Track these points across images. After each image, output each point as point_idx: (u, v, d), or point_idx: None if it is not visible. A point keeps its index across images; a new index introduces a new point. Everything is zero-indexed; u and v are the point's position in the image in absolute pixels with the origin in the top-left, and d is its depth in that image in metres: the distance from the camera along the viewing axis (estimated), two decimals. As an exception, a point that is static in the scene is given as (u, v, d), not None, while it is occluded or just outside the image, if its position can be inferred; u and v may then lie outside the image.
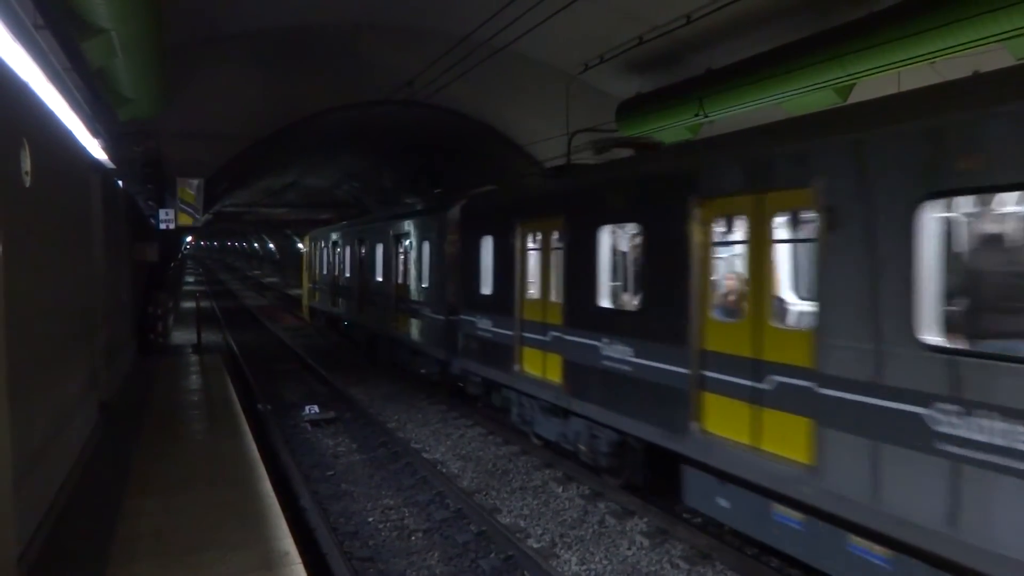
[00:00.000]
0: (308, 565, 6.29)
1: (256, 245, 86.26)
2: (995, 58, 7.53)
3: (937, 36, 8.23)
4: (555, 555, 8.16)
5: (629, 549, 8.31)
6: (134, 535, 6.73)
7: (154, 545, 6.48)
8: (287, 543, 6.35)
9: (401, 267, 18.37)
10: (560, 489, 10.38)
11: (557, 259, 10.74)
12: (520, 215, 11.93)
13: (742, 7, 10.40)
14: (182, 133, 16.95)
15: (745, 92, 10.91)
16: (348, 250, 23.94)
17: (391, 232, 18.99)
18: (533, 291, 11.77)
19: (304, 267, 34.11)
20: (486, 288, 13.18)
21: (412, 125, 20.74)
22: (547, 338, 10.94)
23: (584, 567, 7.89)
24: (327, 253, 27.67)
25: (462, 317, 13.95)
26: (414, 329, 17.01)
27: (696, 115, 11.91)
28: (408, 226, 17.86)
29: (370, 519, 9.41)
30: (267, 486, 8.05)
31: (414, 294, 17.08)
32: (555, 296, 10.99)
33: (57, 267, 8.14)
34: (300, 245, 61.03)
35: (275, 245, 74.15)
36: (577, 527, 8.97)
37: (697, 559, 7.96)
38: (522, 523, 9.13)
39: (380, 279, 20.01)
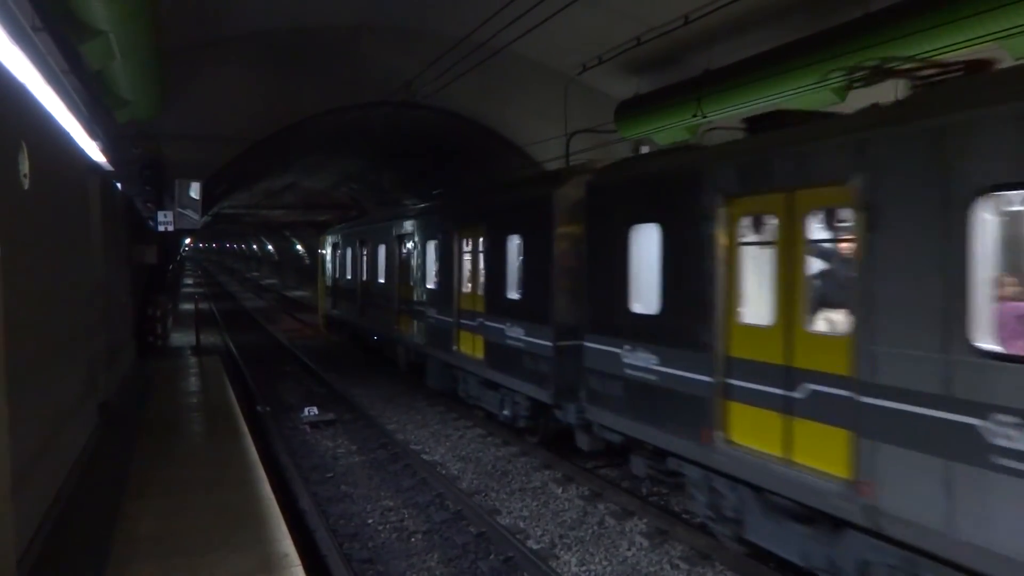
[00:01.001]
0: (308, 567, 6.29)
1: (255, 247, 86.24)
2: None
3: (933, 35, 8.25)
4: (555, 556, 8.16)
5: (629, 550, 8.31)
6: (133, 537, 6.72)
7: (153, 547, 6.47)
8: (287, 545, 6.35)
9: (467, 271, 14.31)
10: (560, 490, 10.38)
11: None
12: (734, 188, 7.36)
13: (739, 8, 10.41)
14: (181, 135, 16.94)
15: (743, 92, 10.93)
16: (383, 250, 19.96)
17: (451, 225, 14.79)
18: (752, 309, 7.28)
19: (320, 270, 29.97)
20: (643, 304, 8.78)
21: (411, 126, 20.73)
22: (798, 394, 6.58)
23: (584, 568, 7.89)
24: (352, 254, 23.57)
25: (592, 345, 9.60)
26: (493, 355, 12.58)
27: (694, 115, 11.93)
28: (482, 216, 13.45)
29: (370, 520, 9.41)
30: (267, 488, 8.05)
31: (491, 307, 12.77)
32: (811, 322, 6.70)
33: (56, 269, 8.14)
34: (299, 247, 61.10)
35: (274, 247, 74.14)
36: (577, 528, 8.97)
37: (697, 560, 7.97)
38: (522, 524, 9.13)
39: (434, 286, 15.82)
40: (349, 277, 23.90)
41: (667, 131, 13.33)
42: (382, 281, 19.72)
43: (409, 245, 17.50)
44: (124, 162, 13.56)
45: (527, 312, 11.49)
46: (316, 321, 36.12)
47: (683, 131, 13.19)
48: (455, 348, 14.44)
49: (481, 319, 13.12)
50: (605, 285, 9.52)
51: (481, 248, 13.45)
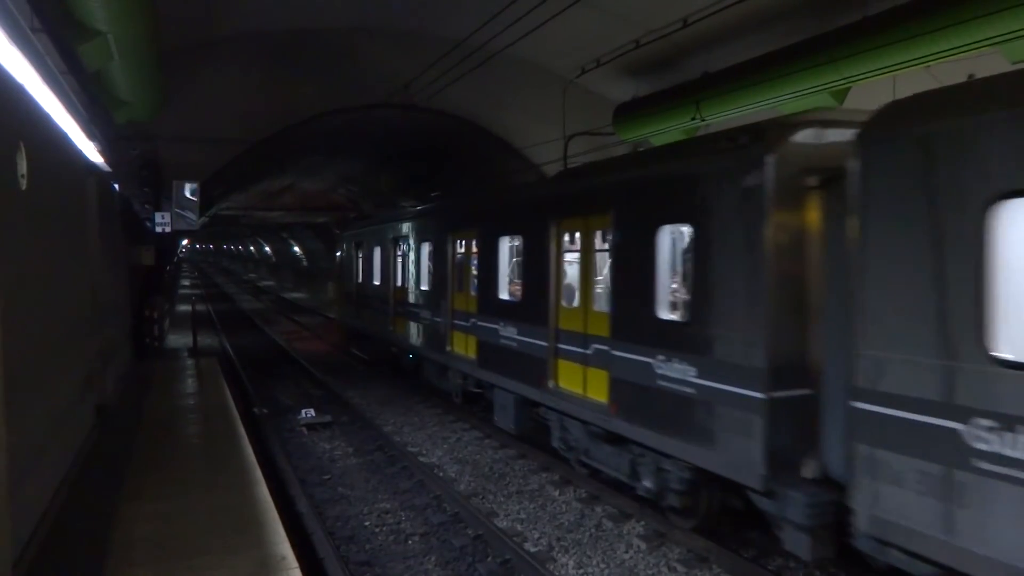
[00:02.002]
0: (305, 569, 6.28)
1: (252, 249, 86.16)
2: (990, 62, 7.56)
3: (932, 40, 8.27)
4: (552, 559, 8.15)
5: (626, 552, 8.30)
6: (131, 540, 6.70)
7: (151, 550, 6.46)
8: (284, 548, 6.34)
9: (572, 278, 10.85)
10: (557, 492, 10.37)
11: None
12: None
13: (739, 11, 10.45)
14: (179, 136, 16.92)
15: (741, 95, 10.95)
16: (428, 249, 16.04)
17: (550, 215, 10.65)
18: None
19: (337, 273, 25.89)
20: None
21: (409, 129, 20.74)
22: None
23: (581, 571, 7.88)
24: (382, 254, 19.42)
25: (874, 409, 5.85)
26: (628, 399, 8.89)
27: (692, 118, 11.94)
28: (604, 199, 9.46)
29: (367, 523, 9.39)
30: (264, 490, 8.03)
31: (623, 330, 9.05)
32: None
33: (52, 271, 8.12)
34: (296, 249, 61.07)
35: (271, 249, 74.07)
36: (574, 530, 8.96)
37: (694, 562, 7.96)
38: (519, 527, 9.12)
39: (512, 297, 12.36)
40: (377, 282, 19.86)
41: (665, 134, 13.34)
42: (425, 288, 16.05)
43: (471, 243, 13.86)
44: (122, 163, 13.56)
45: (705, 342, 7.60)
46: (316, 326, 36.08)
47: (681, 134, 13.21)
48: (551, 383, 10.59)
49: (603, 346, 9.33)
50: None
51: (604, 245, 9.86)
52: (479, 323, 13.08)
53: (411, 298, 16.95)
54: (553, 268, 10.57)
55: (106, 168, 11.46)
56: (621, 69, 14.20)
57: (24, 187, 6.46)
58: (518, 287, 12.47)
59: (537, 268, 10.98)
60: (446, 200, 18.03)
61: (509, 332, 11.96)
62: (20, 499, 5.95)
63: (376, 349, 20.91)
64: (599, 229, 9.72)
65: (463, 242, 14.42)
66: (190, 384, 15.85)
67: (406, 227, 17.53)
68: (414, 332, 16.67)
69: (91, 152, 9.91)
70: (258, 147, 19.64)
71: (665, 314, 8.38)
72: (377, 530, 9.15)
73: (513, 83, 16.99)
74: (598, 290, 10.11)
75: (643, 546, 8.42)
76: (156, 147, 16.60)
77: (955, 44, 8.19)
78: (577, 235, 10.27)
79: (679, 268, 8.81)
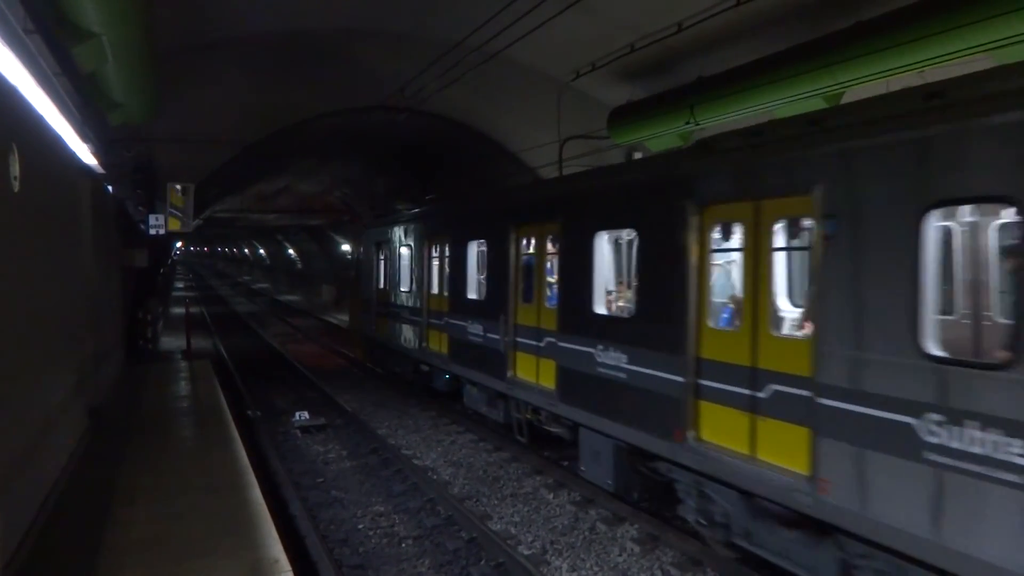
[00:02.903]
0: (298, 573, 6.27)
1: (247, 251, 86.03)
2: (983, 67, 7.60)
3: (925, 46, 8.29)
4: (546, 562, 8.14)
5: (620, 555, 8.30)
6: (123, 544, 6.68)
7: (143, 554, 6.44)
8: (277, 551, 6.33)
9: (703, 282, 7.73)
10: (551, 496, 10.37)
11: None
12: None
13: (733, 16, 10.47)
14: (174, 138, 16.89)
15: (735, 100, 10.96)
16: (481, 250, 13.27)
17: (689, 199, 7.71)
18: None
19: (357, 278, 22.51)
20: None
21: (404, 131, 20.73)
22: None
23: (575, 574, 7.88)
24: (421, 256, 15.91)
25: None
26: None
27: (687, 123, 11.96)
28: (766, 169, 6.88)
29: (360, 526, 9.37)
30: (257, 493, 8.02)
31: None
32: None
33: (45, 272, 8.10)
34: (291, 251, 61.02)
35: (266, 251, 73.96)
36: (568, 534, 8.96)
37: (688, 566, 7.97)
38: (513, 530, 9.11)
39: (608, 309, 9.77)
40: (406, 288, 16.78)
41: (660, 138, 13.36)
42: (474, 296, 13.39)
43: (548, 242, 11.13)
44: (116, 165, 13.52)
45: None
46: (311, 328, 36.01)
47: (676, 138, 13.23)
48: (690, 434, 7.58)
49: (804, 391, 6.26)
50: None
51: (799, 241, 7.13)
52: (560, 344, 10.09)
53: (454, 308, 13.89)
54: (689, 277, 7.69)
55: (100, 170, 11.45)
56: (616, 73, 14.21)
57: (16, 189, 6.45)
58: (631, 296, 9.53)
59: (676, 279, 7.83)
60: (512, 191, 15.20)
61: (614, 358, 8.87)
62: (11, 502, 5.93)
63: (401, 365, 18.00)
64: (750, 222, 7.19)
65: (534, 241, 11.71)
66: (183, 386, 15.81)
67: (447, 223, 14.79)
68: (456, 349, 13.66)
69: (85, 154, 9.91)
70: (253, 149, 19.64)
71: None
72: (371, 533, 9.13)
73: (508, 86, 17.00)
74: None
75: (636, 549, 8.42)
76: (150, 149, 16.56)
77: (948, 50, 8.21)
78: (722, 228, 7.72)
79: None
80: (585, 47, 13.73)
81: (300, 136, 20.43)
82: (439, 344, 14.77)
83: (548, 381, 10.48)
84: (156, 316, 23.28)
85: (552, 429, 10.99)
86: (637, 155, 15.03)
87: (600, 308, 9.57)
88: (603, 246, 9.59)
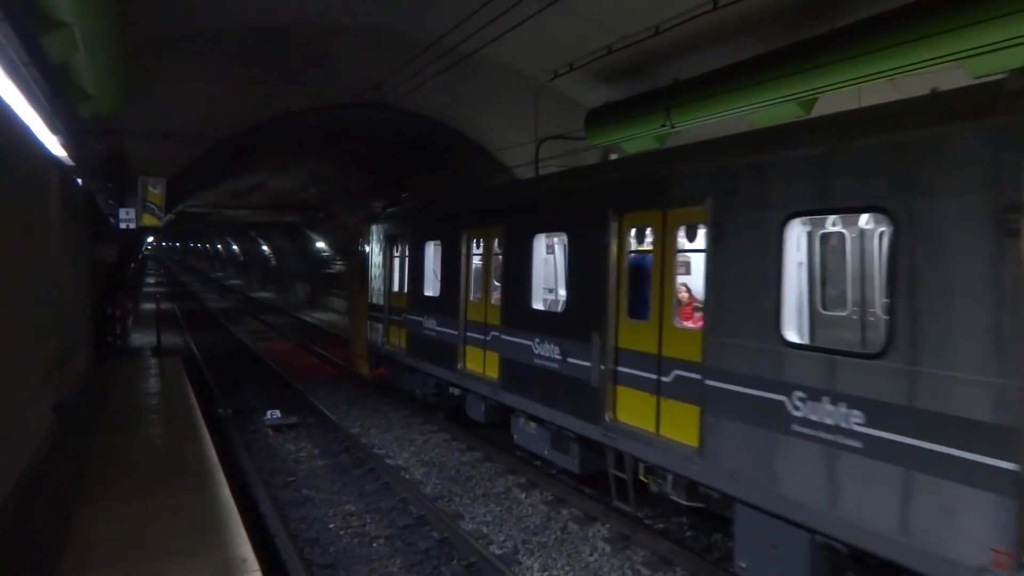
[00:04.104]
0: (267, 572, 6.21)
1: (220, 247, 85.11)
2: (953, 76, 7.73)
3: (896, 54, 8.41)
4: (517, 561, 8.15)
5: (591, 555, 8.33)
6: (88, 542, 6.57)
7: (108, 552, 6.33)
8: (245, 550, 6.26)
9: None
10: (523, 495, 10.37)
11: None
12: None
13: (709, 20, 10.55)
14: (146, 131, 16.65)
15: (710, 104, 11.03)
16: (565, 246, 10.20)
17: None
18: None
19: (357, 279, 18.89)
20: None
21: (381, 129, 20.63)
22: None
23: (546, 573, 7.89)
24: (456, 255, 12.89)
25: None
26: None
27: (662, 125, 12.03)
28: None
29: (331, 525, 9.31)
30: (226, 492, 7.92)
31: None
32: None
33: (10, 265, 7.94)
34: (265, 248, 60.41)
35: (239, 247, 73.22)
36: (540, 533, 8.97)
37: (658, 565, 8.01)
38: (485, 529, 9.11)
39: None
40: (433, 293, 14.09)
41: (636, 139, 13.41)
42: (544, 309, 10.76)
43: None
44: (86, 157, 13.29)
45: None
46: (284, 326, 35.66)
47: (652, 140, 13.30)
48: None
49: None
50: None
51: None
52: (711, 383, 6.99)
53: (509, 321, 10.98)
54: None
55: (69, 162, 11.25)
56: (594, 74, 14.25)
57: (-18, 180, 6.32)
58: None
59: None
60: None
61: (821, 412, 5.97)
62: (-28, 499, 5.80)
63: (420, 385, 15.05)
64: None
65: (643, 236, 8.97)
66: (153, 384, 15.59)
67: (500, 215, 11.71)
68: (513, 374, 10.78)
69: (54, 145, 9.73)
70: (227, 144, 19.41)
71: None
72: (342, 532, 9.08)
73: (486, 86, 16.99)
74: None
75: (607, 549, 8.46)
76: (122, 142, 16.32)
77: (919, 59, 8.34)
78: None
79: None
80: (563, 48, 13.75)
81: (275, 132, 20.23)
82: (483, 365, 11.78)
83: (688, 435, 7.35)
84: (126, 311, 22.94)
85: (688, 503, 7.71)
86: (613, 156, 15.09)
87: (792, 333, 7.77)
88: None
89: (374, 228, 18.09)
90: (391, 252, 16.76)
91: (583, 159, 15.94)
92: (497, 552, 8.33)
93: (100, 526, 6.95)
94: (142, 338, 25.62)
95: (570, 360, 9.34)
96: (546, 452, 10.49)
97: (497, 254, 11.82)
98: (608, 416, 8.50)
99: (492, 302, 11.79)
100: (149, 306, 37.03)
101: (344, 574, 7.88)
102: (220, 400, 16.25)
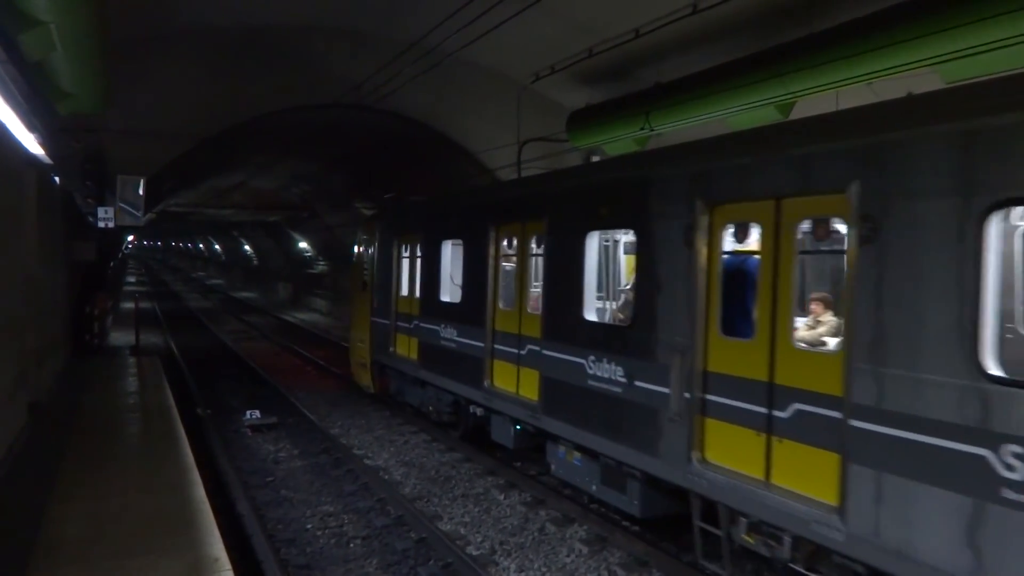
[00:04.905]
0: (242, 572, 6.19)
1: (201, 246, 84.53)
2: (929, 81, 7.85)
3: (873, 58, 8.52)
4: (494, 562, 8.16)
5: (568, 556, 8.36)
6: (58, 541, 6.51)
7: (78, 551, 6.28)
8: (217, 549, 6.23)
9: None
10: (502, 496, 10.39)
11: None
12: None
13: (689, 24, 10.63)
14: (126, 130, 16.53)
15: (689, 107, 11.12)
16: (646, 242, 7.94)
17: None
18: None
19: (361, 282, 16.96)
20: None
21: (363, 129, 20.61)
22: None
23: (523, 574, 7.90)
24: (484, 256, 11.19)
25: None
26: None
27: (642, 128, 12.10)
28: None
29: (308, 526, 9.28)
30: (200, 492, 7.88)
31: None
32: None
33: (-15, 263, 7.87)
34: (247, 247, 60.06)
35: (221, 247, 72.77)
36: (517, 534, 8.99)
37: (634, 566, 8.05)
38: (463, 530, 9.11)
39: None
40: (451, 299, 12.69)
41: (617, 142, 13.48)
42: (596, 320, 9.27)
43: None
44: (64, 156, 13.18)
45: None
46: (266, 326, 35.48)
47: (632, 143, 13.37)
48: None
49: None
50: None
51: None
52: (870, 427, 5.41)
53: (556, 335, 9.31)
54: None
55: (47, 161, 11.15)
56: (576, 77, 14.31)
57: (-47, 176, 6.26)
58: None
59: None
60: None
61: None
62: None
63: (432, 401, 13.41)
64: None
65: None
66: (130, 383, 15.47)
67: (542, 207, 9.88)
68: (558, 397, 9.19)
69: (31, 144, 9.65)
70: (208, 143, 19.33)
71: None
72: (319, 533, 9.05)
73: (468, 87, 17.01)
74: None
75: (584, 550, 8.49)
76: (101, 140, 16.18)
77: (895, 63, 8.45)
78: None
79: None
80: (545, 50, 13.80)
81: (257, 131, 20.16)
82: (516, 383, 10.31)
83: (814, 488, 5.87)
84: (104, 311, 22.73)
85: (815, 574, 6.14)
86: (595, 158, 15.14)
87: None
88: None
89: (379, 225, 16.12)
90: (399, 252, 15.05)
91: (566, 161, 16.00)
92: (474, 553, 8.34)
93: (72, 525, 6.90)
94: (121, 337, 25.42)
95: (638, 384, 7.64)
96: (593, 488, 8.89)
97: (536, 255, 10.17)
98: (695, 456, 6.88)
99: (529, 311, 10.14)
100: (129, 305, 36.75)
101: (320, 574, 7.86)
102: (199, 400, 16.14)
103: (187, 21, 13.87)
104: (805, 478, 5.92)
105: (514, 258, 10.80)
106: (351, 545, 8.69)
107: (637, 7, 11.18)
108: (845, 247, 5.92)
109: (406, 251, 14.85)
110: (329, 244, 36.93)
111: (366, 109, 17.13)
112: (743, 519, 6.54)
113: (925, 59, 8.13)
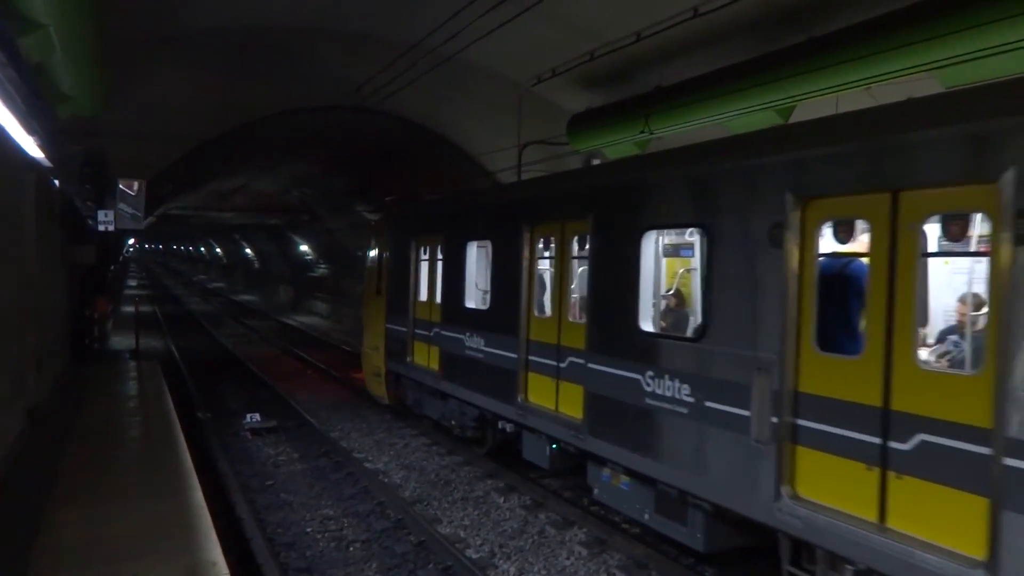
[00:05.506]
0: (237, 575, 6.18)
1: (203, 250, 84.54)
2: (928, 85, 7.84)
3: (872, 63, 8.52)
4: (493, 565, 8.15)
5: (568, 559, 8.35)
6: (57, 545, 6.51)
7: (77, 555, 6.28)
8: (215, 554, 6.22)
9: None
10: (502, 499, 10.38)
11: None
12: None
13: (690, 28, 10.63)
14: (126, 133, 16.55)
15: (689, 111, 11.12)
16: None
17: None
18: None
19: (375, 285, 16.18)
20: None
21: (364, 132, 20.62)
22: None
23: (522, 578, 7.89)
24: (518, 259, 10.27)
25: None
26: None
27: (642, 131, 12.10)
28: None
29: (308, 529, 9.27)
30: (199, 496, 7.86)
31: None
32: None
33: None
34: (248, 250, 59.99)
35: (222, 250, 72.78)
36: (517, 537, 8.98)
37: (633, 568, 8.05)
38: (462, 533, 9.10)
39: None
40: (477, 305, 11.84)
41: (617, 145, 13.48)
42: (684, 334, 8.16)
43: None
44: (64, 159, 13.18)
45: None
46: (266, 329, 35.45)
47: (633, 146, 13.37)
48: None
49: None
50: None
51: None
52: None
53: (600, 346, 8.43)
54: None
55: (47, 164, 11.15)
56: (576, 80, 14.31)
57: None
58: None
59: None
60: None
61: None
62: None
63: (455, 416, 12.50)
64: None
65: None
66: (130, 387, 15.46)
67: (585, 204, 8.91)
68: (602, 414, 8.33)
69: (30, 147, 9.64)
70: (209, 146, 19.36)
71: None
72: (319, 536, 9.04)
73: (469, 90, 17.02)
74: None
75: (584, 553, 8.48)
76: (101, 143, 16.19)
77: (894, 68, 8.45)
78: None
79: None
80: (546, 53, 13.81)
81: (257, 134, 20.18)
82: (555, 399, 9.44)
83: (947, 537, 5.01)
84: (104, 314, 22.73)
85: None
86: (596, 161, 15.15)
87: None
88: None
89: (394, 226, 15.37)
90: (417, 254, 14.15)
91: (567, 164, 16.01)
92: (474, 556, 8.33)
93: (71, 529, 6.89)
94: (122, 341, 25.43)
95: (708, 404, 6.74)
96: (646, 517, 8.01)
97: (578, 257, 9.38)
98: (785, 490, 5.95)
99: (570, 319, 9.25)
100: (130, 309, 36.76)
101: (319, 578, 7.86)
102: (199, 404, 16.14)
103: (187, 23, 13.89)
104: (936, 525, 5.01)
105: (552, 261, 9.96)
106: (351, 549, 8.68)
107: (639, 11, 11.19)
108: (985, 249, 5.21)
109: (425, 253, 13.99)
110: (330, 247, 36.94)
111: (367, 111, 17.15)
112: (848, 567, 5.57)
113: (924, 64, 8.14)
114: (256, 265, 60.39)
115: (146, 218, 19.05)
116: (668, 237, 8.53)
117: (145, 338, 24.11)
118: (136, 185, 16.54)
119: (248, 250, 60.16)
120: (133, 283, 71.67)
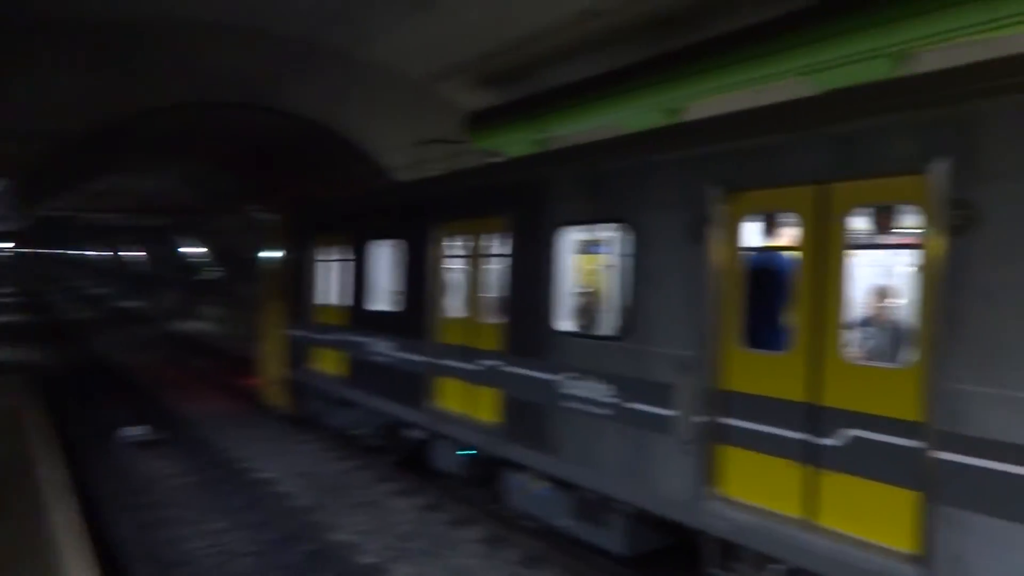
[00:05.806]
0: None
1: (87, 254, 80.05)
2: (805, 88, 8.23)
3: (751, 66, 8.90)
4: (387, 569, 8.01)
5: (466, 558, 8.31)
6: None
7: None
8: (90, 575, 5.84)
9: None
10: (399, 502, 10.24)
11: None
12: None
13: (586, 30, 10.79)
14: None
15: (581, 111, 11.29)
16: None
17: None
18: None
19: (277, 289, 15.21)
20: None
21: (255, 130, 19.99)
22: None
23: (419, 580, 7.79)
24: (432, 259, 9.84)
25: None
26: None
27: (538, 131, 12.20)
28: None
29: (197, 544, 8.83)
30: (71, 515, 7.38)
31: None
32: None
33: None
34: (132, 254, 56.96)
35: (105, 255, 69.14)
36: (413, 539, 8.88)
37: (532, 563, 8.08)
38: (357, 539, 8.90)
39: None
40: (386, 308, 11.14)
41: (515, 145, 13.55)
42: (606, 332, 7.69)
43: None
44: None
45: None
46: (153, 337, 33.82)
47: (530, 145, 13.47)
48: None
49: None
50: None
51: None
52: (973, 462, 4.47)
53: (516, 347, 8.17)
54: None
55: None
56: (475, 79, 14.31)
57: None
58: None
59: None
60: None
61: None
62: None
63: (359, 423, 12.11)
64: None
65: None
66: (-2, 402, 14.40)
67: (508, 200, 8.43)
68: (520, 418, 8.04)
69: None
70: (85, 143, 18.29)
71: None
72: (208, 551, 8.63)
73: (365, 87, 16.73)
74: None
75: (482, 550, 8.46)
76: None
77: (771, 71, 8.85)
78: None
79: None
80: (443, 51, 13.73)
81: (140, 130, 19.21)
82: (468, 403, 9.00)
83: (883, 533, 4.95)
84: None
85: None
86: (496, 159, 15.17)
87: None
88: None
89: (292, 225, 14.58)
90: (316, 255, 13.48)
91: (466, 163, 15.96)
92: (368, 561, 8.16)
93: (-78, 558, 6.33)
94: (-8, 353, 23.67)
95: (634, 406, 6.52)
96: (565, 523, 7.73)
97: (492, 255, 8.74)
98: (712, 492, 5.82)
99: (485, 320, 8.71)
100: (3, 319, 34.35)
101: (206, 595, 7.51)
102: (76, 418, 15.18)
103: (64, 12, 13.05)
104: (869, 520, 4.94)
105: (464, 260, 9.39)
106: (241, 562, 8.34)
107: (534, 11, 11.26)
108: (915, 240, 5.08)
109: (325, 254, 13.23)
110: (221, 249, 35.63)
111: (259, 109, 16.61)
112: (776, 567, 5.48)
113: (797, 67, 8.55)
114: (140, 269, 57.68)
115: (23, 220, 17.82)
116: (586, 234, 8.12)
117: (18, 349, 22.46)
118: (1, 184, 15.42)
119: (133, 253, 57.39)
120: (6, 291, 66.90)
